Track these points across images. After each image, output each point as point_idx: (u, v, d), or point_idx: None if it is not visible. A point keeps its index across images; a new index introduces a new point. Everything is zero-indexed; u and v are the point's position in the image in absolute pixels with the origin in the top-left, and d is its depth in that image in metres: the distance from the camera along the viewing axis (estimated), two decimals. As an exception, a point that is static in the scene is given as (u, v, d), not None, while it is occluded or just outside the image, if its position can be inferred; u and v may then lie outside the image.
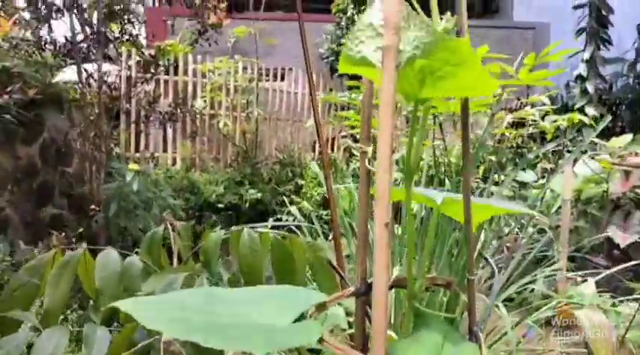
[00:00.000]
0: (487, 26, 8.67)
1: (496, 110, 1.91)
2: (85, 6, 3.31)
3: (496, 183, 4.56)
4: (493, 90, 0.53)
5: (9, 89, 2.78)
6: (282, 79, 7.09)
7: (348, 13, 6.79)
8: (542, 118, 3.35)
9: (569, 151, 4.42)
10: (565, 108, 6.76)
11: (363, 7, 6.94)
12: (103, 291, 0.98)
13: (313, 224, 2.22)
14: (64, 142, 4.22)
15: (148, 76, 4.00)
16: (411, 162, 0.53)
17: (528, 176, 4.78)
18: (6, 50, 2.84)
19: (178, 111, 3.99)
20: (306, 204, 3.12)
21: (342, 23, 6.89)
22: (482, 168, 4.26)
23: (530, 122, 3.30)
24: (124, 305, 0.38)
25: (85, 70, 3.61)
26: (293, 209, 2.72)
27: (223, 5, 4.21)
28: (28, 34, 3.28)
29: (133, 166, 3.28)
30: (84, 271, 1.04)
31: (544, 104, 2.88)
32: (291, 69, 7.19)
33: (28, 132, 3.51)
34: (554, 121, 2.85)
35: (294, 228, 2.41)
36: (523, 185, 4.82)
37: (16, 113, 2.91)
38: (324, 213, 2.59)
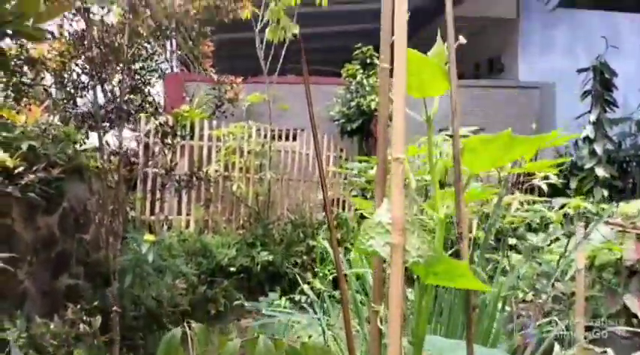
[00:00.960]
0: (493, 86, 8.91)
1: (503, 193, 1.98)
2: (110, 84, 3.51)
3: (511, 247, 4.55)
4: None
5: (34, 169, 2.92)
6: (294, 139, 7.29)
7: (358, 78, 7.05)
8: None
9: (582, 215, 4.43)
10: (574, 167, 6.81)
11: (371, 73, 7.23)
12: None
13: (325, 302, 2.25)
14: (83, 210, 4.34)
15: (167, 145, 4.16)
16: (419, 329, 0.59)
17: (540, 239, 4.76)
18: (35, 135, 3.01)
19: (194, 179, 4.11)
20: (318, 284, 3.14)
21: (352, 87, 7.15)
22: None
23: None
24: None
25: (107, 143, 3.78)
26: (305, 287, 2.75)
27: (240, 80, 4.43)
28: (56, 120, 3.47)
29: (148, 237, 3.35)
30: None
31: (547, 177, 2.94)
32: (303, 130, 7.40)
33: (49, 203, 3.63)
34: (562, 207, 2.90)
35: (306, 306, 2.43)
36: (535, 248, 4.80)
37: (39, 190, 3.04)
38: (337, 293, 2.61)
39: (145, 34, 3.81)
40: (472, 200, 2.24)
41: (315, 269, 4.66)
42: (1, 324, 2.76)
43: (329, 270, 3.80)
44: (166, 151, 4.12)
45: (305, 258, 5.99)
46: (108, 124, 3.92)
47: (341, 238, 6.38)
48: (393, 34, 0.61)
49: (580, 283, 3.11)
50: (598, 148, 6.06)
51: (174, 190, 4.00)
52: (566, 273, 3.82)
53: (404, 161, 0.55)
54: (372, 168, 2.92)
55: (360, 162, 3.53)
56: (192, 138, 6.26)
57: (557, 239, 4.66)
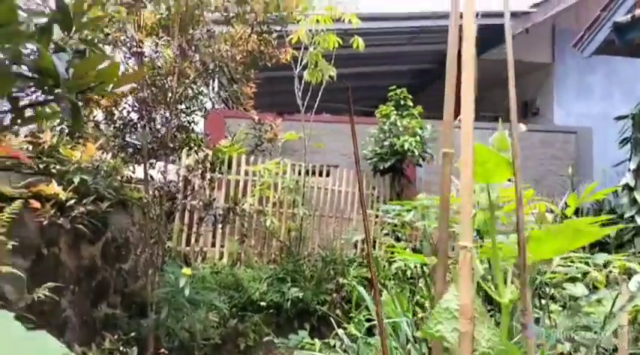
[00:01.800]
0: (529, 130, 8.85)
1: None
2: (157, 123, 3.70)
3: (552, 297, 4.42)
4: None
5: (84, 201, 3.08)
6: (327, 175, 7.39)
7: (392, 118, 7.15)
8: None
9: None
10: (612, 213, 6.62)
11: (405, 113, 7.32)
12: None
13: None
14: (124, 241, 4.50)
15: (206, 179, 4.31)
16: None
17: (579, 290, 4.63)
18: (88, 169, 3.19)
19: (231, 214, 4.23)
20: (353, 330, 3.13)
21: (385, 127, 7.25)
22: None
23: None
24: None
25: (151, 177, 3.95)
26: (340, 332, 2.76)
27: (279, 121, 4.58)
28: (109, 157, 3.67)
29: (186, 271, 3.45)
30: None
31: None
32: (336, 166, 7.51)
33: (94, 234, 3.78)
34: (605, 265, 2.84)
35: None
36: (574, 299, 4.65)
37: (87, 222, 3.19)
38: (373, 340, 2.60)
39: (192, 76, 4.03)
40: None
41: (349, 314, 4.63)
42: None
43: (364, 316, 3.78)
44: (206, 186, 4.27)
45: (335, 295, 5.97)
46: (154, 160, 4.11)
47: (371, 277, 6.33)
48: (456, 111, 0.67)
49: (624, 341, 3.01)
50: (639, 196, 5.90)
51: (212, 224, 4.11)
52: (606, 327, 3.70)
53: (471, 249, 0.60)
54: (408, 211, 2.95)
55: (394, 202, 3.56)
56: (229, 170, 6.44)
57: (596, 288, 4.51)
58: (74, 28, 0.99)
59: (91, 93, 1.18)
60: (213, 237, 6.31)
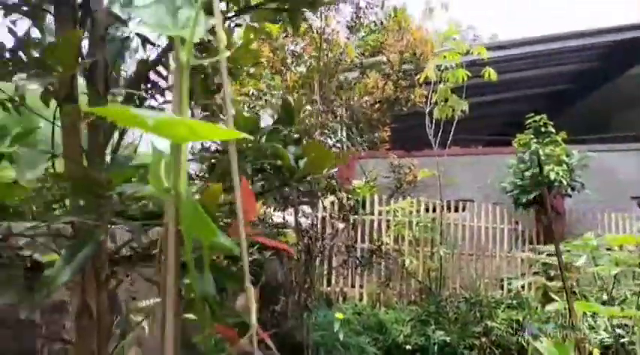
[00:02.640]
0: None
1: None
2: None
3: None
4: None
5: (251, 251, 3.38)
6: (463, 210, 7.12)
7: (532, 147, 6.72)
8: None
9: None
10: None
11: (546, 141, 6.84)
12: None
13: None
14: (276, 282, 4.79)
15: (346, 220, 4.44)
16: None
17: None
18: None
19: (374, 257, 4.28)
20: None
21: (526, 157, 6.82)
22: None
23: None
24: None
25: (299, 222, 4.19)
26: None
27: (416, 163, 4.60)
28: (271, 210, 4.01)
29: (339, 315, 3.54)
30: None
31: None
32: (472, 201, 7.22)
33: (254, 277, 4.09)
34: None
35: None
36: None
37: (251, 268, 3.47)
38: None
39: (330, 125, 4.26)
40: None
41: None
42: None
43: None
44: (348, 228, 4.40)
45: (483, 339, 5.62)
46: (300, 205, 4.37)
47: (523, 319, 5.88)
48: None
49: None
50: None
51: (356, 267, 4.20)
52: None
53: None
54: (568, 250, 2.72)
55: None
56: (364, 213, 6.55)
57: None
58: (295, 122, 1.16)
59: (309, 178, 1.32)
60: (352, 277, 6.40)
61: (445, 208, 6.69)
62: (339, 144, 4.60)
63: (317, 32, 3.58)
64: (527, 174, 6.72)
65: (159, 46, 1.36)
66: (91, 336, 1.19)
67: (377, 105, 3.82)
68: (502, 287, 6.61)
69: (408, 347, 5.36)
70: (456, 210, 7.04)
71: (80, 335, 1.20)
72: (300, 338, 4.10)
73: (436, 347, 5.37)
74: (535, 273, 6.52)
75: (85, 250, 0.93)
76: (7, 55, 1.24)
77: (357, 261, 4.43)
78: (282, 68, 3.49)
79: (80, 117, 1.15)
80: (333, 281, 6.22)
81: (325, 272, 6.11)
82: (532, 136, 6.89)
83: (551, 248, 5.55)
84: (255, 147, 1.18)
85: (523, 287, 6.49)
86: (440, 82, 5.71)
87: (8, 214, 1.23)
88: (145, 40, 1.35)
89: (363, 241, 6.22)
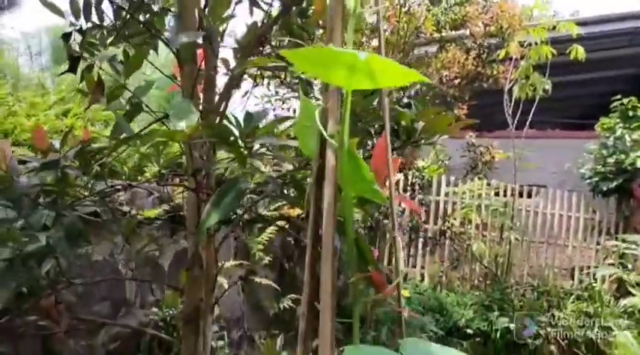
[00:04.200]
0: None
1: None
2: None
3: None
4: None
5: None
6: (536, 195, 6.79)
7: (617, 133, 6.25)
8: None
9: None
10: None
11: (634, 125, 6.33)
12: None
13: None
14: (339, 258, 4.82)
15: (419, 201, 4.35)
16: None
17: None
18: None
19: (442, 238, 4.19)
20: None
21: (609, 142, 6.36)
22: None
23: None
24: None
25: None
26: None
27: (496, 143, 4.40)
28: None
29: (405, 292, 3.51)
30: None
31: None
32: (545, 187, 6.87)
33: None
34: None
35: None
36: None
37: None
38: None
39: (405, 101, 4.15)
40: None
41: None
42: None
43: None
44: (420, 208, 4.33)
45: (549, 329, 5.41)
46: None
47: (594, 313, 5.60)
48: None
49: None
50: None
51: (422, 247, 4.13)
52: None
53: None
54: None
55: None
56: (429, 193, 6.41)
57: None
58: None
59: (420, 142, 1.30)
60: (414, 257, 6.32)
61: (517, 193, 6.41)
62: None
63: (398, 3, 3.46)
64: (610, 160, 6.27)
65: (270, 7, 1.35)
66: (199, 285, 1.25)
67: (456, 81, 3.66)
68: (573, 278, 6.31)
69: (470, 330, 5.27)
70: (529, 196, 6.73)
71: (191, 285, 1.27)
72: (362, 312, 4.13)
73: (499, 334, 5.23)
74: (610, 265, 6.15)
75: (230, 196, 0.97)
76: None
77: (424, 242, 4.35)
78: (362, 39, 3.41)
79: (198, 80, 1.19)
80: (393, 261, 6.18)
81: (388, 251, 6.07)
82: (618, 120, 6.39)
83: (631, 238, 5.20)
84: (374, 109, 1.17)
85: (596, 279, 6.14)
86: (521, 59, 5.39)
87: (107, 173, 1.31)
88: (253, 3, 1.36)
89: (427, 222, 6.09)
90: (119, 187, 1.49)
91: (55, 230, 1.08)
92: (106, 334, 1.91)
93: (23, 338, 1.56)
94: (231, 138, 0.98)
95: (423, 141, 1.25)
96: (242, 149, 1.01)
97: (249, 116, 1.00)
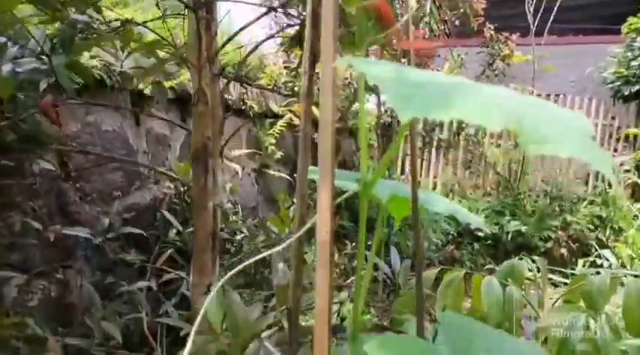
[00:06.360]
0: None
1: None
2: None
3: None
4: None
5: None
6: (555, 102, 6.59)
7: (645, 32, 5.92)
8: None
9: None
10: None
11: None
12: (490, 315, 1.09)
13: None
14: (350, 162, 4.83)
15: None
16: None
17: None
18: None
19: (456, 139, 4.13)
20: (625, 250, 2.80)
21: (636, 44, 6.04)
22: None
23: None
24: None
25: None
26: (606, 252, 2.50)
27: (514, 37, 4.17)
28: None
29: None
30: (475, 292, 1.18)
31: None
32: (564, 95, 6.65)
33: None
34: None
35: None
36: None
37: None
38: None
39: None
40: None
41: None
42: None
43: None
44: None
45: (560, 233, 5.48)
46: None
47: (606, 217, 5.63)
48: None
49: None
50: None
51: (436, 150, 4.08)
52: None
53: None
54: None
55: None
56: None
57: None
58: None
59: None
60: (427, 165, 6.31)
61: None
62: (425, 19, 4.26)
63: None
64: (635, 63, 5.99)
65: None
66: (206, 122, 1.24)
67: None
68: (587, 183, 6.29)
69: (480, 234, 5.36)
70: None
71: (197, 121, 1.25)
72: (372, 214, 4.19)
73: (509, 237, 5.32)
74: (627, 171, 6.10)
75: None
76: None
77: (438, 142, 4.30)
78: None
79: None
80: (407, 169, 6.18)
81: (401, 160, 6.04)
82: (647, 20, 6.03)
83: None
84: None
85: (610, 185, 6.10)
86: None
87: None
88: None
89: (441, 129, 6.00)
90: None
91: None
92: (120, 204, 1.95)
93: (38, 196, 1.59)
94: None
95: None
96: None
97: None
